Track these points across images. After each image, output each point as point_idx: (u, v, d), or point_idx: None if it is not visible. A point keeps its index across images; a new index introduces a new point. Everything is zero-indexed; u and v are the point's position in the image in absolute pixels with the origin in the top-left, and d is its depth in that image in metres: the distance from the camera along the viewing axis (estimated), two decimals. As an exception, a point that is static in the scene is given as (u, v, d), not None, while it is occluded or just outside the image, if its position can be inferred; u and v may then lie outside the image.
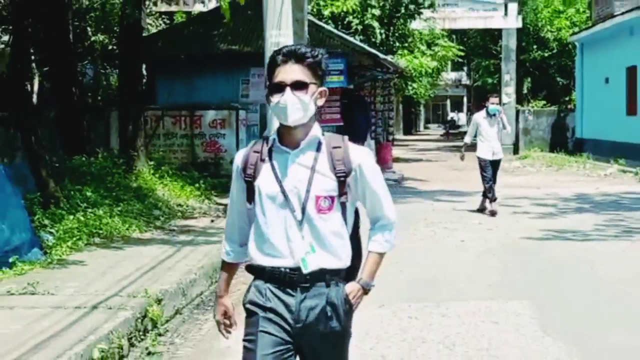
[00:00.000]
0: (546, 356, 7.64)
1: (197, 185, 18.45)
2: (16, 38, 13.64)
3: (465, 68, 48.17)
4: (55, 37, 17.17)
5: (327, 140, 3.72)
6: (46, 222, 11.96)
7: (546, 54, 38.96)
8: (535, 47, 38.33)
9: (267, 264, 3.66)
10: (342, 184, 3.64)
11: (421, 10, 30.48)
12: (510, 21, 34.46)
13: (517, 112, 36.01)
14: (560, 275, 11.38)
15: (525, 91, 38.75)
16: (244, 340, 3.72)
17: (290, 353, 3.67)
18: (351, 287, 3.73)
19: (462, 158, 18.07)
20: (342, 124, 23.74)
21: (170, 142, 21.16)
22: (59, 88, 17.57)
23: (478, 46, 41.26)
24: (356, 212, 3.98)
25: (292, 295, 3.63)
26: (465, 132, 57.01)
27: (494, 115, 16.58)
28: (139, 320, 8.28)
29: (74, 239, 11.82)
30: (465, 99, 67.08)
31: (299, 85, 3.55)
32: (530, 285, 10.67)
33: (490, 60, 41.20)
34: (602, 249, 13.31)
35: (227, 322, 3.93)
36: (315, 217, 3.63)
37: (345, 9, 27.33)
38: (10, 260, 10.25)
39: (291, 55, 3.61)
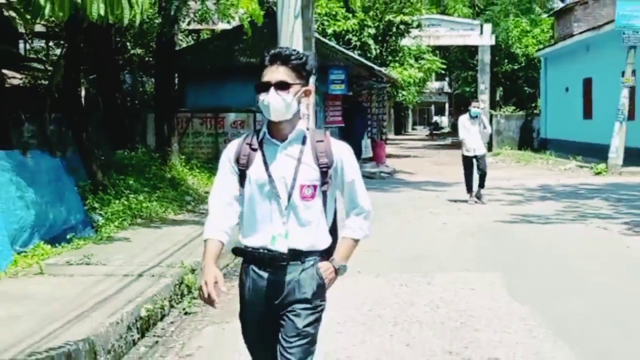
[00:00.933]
0: (513, 317, 7.71)
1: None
2: (69, 52, 13.71)
3: (446, 78, 48.25)
4: (100, 51, 17.19)
5: (311, 134, 3.65)
6: (96, 205, 12.11)
7: (515, 67, 38.89)
8: (506, 61, 38.27)
9: (250, 244, 3.60)
10: (324, 174, 3.58)
11: (410, 30, 30.56)
12: (485, 39, 34.42)
13: (491, 116, 36.02)
14: (526, 251, 11.46)
15: (497, 98, 38.77)
16: (240, 317, 3.76)
17: (274, 320, 3.60)
18: (324, 266, 3.64)
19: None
20: (343, 125, 24.05)
21: (198, 139, 21.37)
22: (104, 94, 17.57)
23: (458, 60, 41.21)
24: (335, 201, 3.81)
25: (273, 273, 3.56)
26: (446, 132, 56.92)
27: (476, 117, 16.46)
28: (177, 286, 8.44)
29: (120, 219, 11.98)
30: (447, 105, 66.92)
31: (282, 85, 3.48)
32: (500, 260, 10.72)
33: (468, 72, 41.20)
34: (561, 230, 13.40)
35: (213, 292, 3.58)
36: (299, 204, 3.55)
37: (345, 28, 27.37)
38: (68, 236, 10.40)
39: (277, 57, 3.54)
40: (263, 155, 3.58)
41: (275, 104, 3.46)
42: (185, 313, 8.05)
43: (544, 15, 38.44)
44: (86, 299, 7.31)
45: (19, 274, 8.47)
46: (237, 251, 3.69)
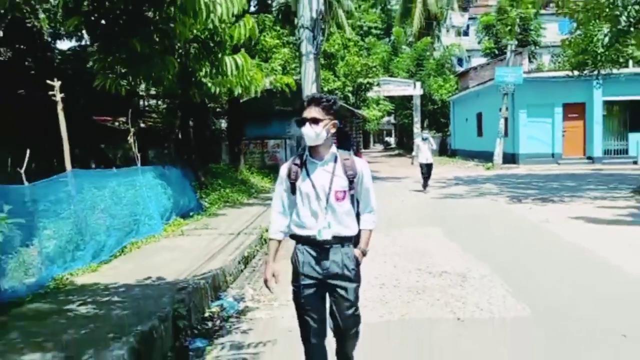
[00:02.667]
0: (450, 250, 7.98)
1: (267, 177, 18.27)
2: (182, 105, 13.92)
3: (393, 114, 48.22)
4: (198, 106, 17.42)
5: (340, 155, 3.35)
6: (203, 196, 12.08)
7: (435, 107, 38.17)
8: (429, 103, 37.48)
9: (303, 233, 3.31)
10: (351, 183, 3.32)
11: (372, 87, 30.52)
12: (417, 91, 34.14)
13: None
14: (452, 214, 11.52)
15: (425, 126, 38.81)
16: (292, 284, 3.38)
17: (321, 290, 3.33)
18: (357, 252, 3.38)
19: (412, 163, 16.92)
20: (337, 144, 24.26)
21: (253, 156, 21.11)
22: (197, 130, 17.76)
23: (400, 104, 41.26)
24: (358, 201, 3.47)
25: (320, 252, 3.29)
26: (393, 148, 55.98)
27: (426, 139, 15.94)
28: (260, 238, 8.56)
29: (218, 204, 12.04)
30: (393, 131, 66.64)
31: (314, 121, 3.22)
32: (439, 219, 10.80)
33: (406, 110, 41.20)
34: (470, 202, 13.43)
35: (274, 281, 3.43)
36: (335, 204, 3.27)
37: (334, 87, 27.41)
38: (191, 214, 10.53)
39: (312, 100, 3.29)
40: (307, 171, 3.30)
41: (309, 133, 3.24)
42: (265, 253, 7.91)
43: (452, 76, 38.33)
44: (212, 247, 7.56)
45: (169, 235, 8.67)
46: (294, 237, 3.39)
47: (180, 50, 3.96)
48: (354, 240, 3.41)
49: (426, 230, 9.62)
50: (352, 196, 3.36)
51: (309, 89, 13.97)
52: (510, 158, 25.53)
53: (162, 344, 4.55)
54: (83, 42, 13.66)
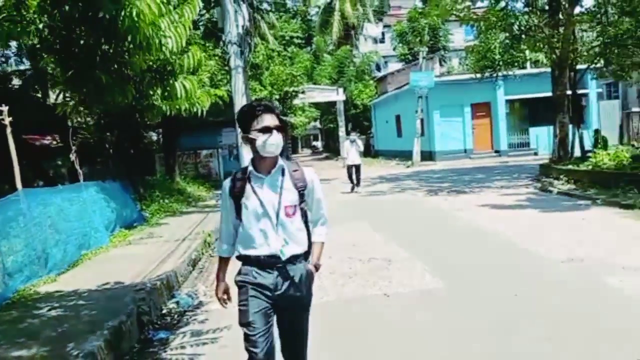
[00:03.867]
0: (376, 239, 8.74)
1: (203, 185, 18.60)
2: (121, 127, 14.01)
3: (319, 120, 49.16)
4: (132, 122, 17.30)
5: (287, 166, 2.99)
6: (143, 207, 12.22)
7: (357, 111, 39.19)
8: (352, 108, 38.58)
9: (252, 253, 2.94)
10: (301, 196, 2.99)
11: (297, 94, 31.17)
12: (340, 96, 35.07)
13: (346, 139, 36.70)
14: (377, 209, 12.32)
15: (349, 129, 39.79)
16: (239, 305, 2.98)
17: (271, 311, 2.95)
18: (310, 267, 3.05)
19: (343, 166, 16.48)
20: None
21: (187, 166, 21.21)
22: (133, 144, 17.55)
23: (326, 109, 42.11)
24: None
25: (271, 273, 2.92)
26: (320, 151, 56.62)
27: (353, 141, 16.15)
28: (204, 242, 8.94)
29: (158, 214, 12.16)
30: (319, 135, 67.88)
31: (279, 128, 2.90)
32: (366, 214, 11.50)
33: (331, 115, 42.17)
34: (393, 197, 14.32)
35: (226, 296, 3.15)
36: (285, 220, 2.92)
37: (261, 96, 27.97)
38: (134, 225, 10.74)
39: (267, 108, 2.91)
40: (252, 186, 2.94)
41: (279, 142, 2.88)
42: (210, 256, 8.57)
43: (371, 81, 39.59)
44: (161, 253, 7.89)
45: (117, 246, 8.87)
46: (240, 258, 3.03)
47: (136, 78, 4.44)
48: (306, 255, 3.08)
49: (355, 225, 10.30)
50: (302, 210, 3.02)
51: (240, 100, 14.25)
52: (428, 155, 26.99)
53: (129, 336, 5.02)
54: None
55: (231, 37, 14.62)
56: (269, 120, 2.90)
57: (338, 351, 4.43)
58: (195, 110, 6.60)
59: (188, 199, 15.40)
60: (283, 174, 2.98)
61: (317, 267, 3.11)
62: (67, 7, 3.60)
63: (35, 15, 3.95)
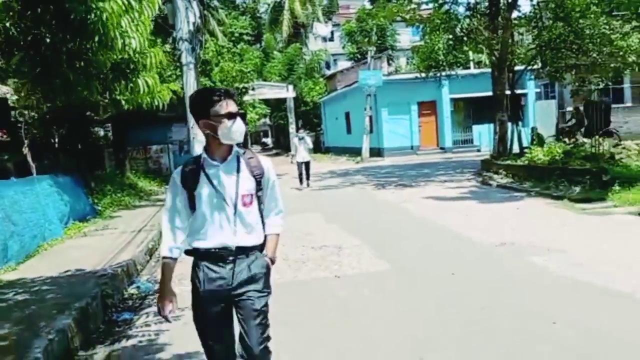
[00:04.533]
0: (328, 229, 9.17)
1: (154, 180, 18.51)
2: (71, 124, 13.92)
3: (269, 116, 49.19)
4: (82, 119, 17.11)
5: (242, 153, 2.83)
6: (95, 200, 12.16)
7: (307, 108, 39.58)
8: (302, 105, 38.88)
9: (204, 246, 2.74)
10: (258, 183, 2.82)
11: (248, 91, 31.26)
12: (290, 93, 35.24)
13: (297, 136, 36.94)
14: (328, 202, 12.74)
15: (299, 126, 40.10)
16: (193, 305, 2.82)
17: (228, 309, 2.80)
18: (267, 260, 2.88)
19: (291, 162, 16.14)
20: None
21: (137, 161, 20.93)
22: (82, 140, 17.26)
23: (276, 106, 42.24)
24: None
25: (223, 267, 2.73)
26: (271, 148, 56.47)
27: (302, 138, 16.14)
28: (160, 233, 9.47)
29: (111, 207, 12.20)
30: (269, 131, 67.94)
31: (242, 115, 2.77)
32: (318, 206, 11.91)
33: (281, 112, 42.38)
34: (343, 191, 14.87)
35: (172, 309, 2.83)
36: (242, 210, 2.74)
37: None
38: (87, 218, 10.75)
39: (227, 94, 2.76)
40: (207, 175, 2.74)
41: (243, 129, 2.75)
42: None
43: (321, 79, 40.06)
44: (118, 243, 8.08)
45: (73, 237, 9.00)
46: (191, 252, 2.81)
47: (101, 75, 4.70)
48: (262, 247, 2.90)
49: (308, 216, 10.74)
50: (258, 199, 2.85)
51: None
52: (377, 152, 27.77)
53: (95, 318, 5.31)
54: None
55: (182, 33, 14.81)
56: (232, 106, 2.76)
57: (293, 324, 4.86)
58: (156, 104, 6.88)
59: (140, 193, 15.41)
60: (239, 161, 2.82)
61: (272, 260, 2.94)
62: (39, 9, 3.86)
63: (3, 14, 4.20)
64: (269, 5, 44.25)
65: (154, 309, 5.68)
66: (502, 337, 4.24)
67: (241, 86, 31.31)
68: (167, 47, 19.36)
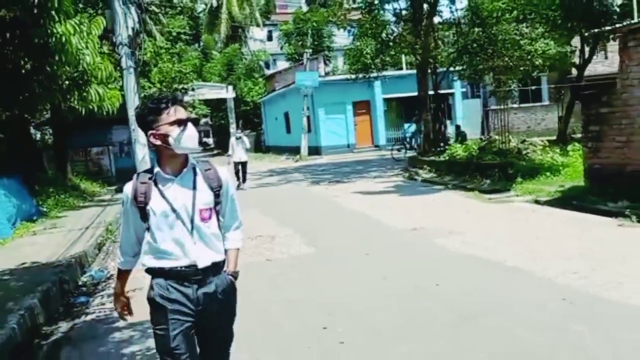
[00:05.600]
0: (264, 221, 9.99)
1: (96, 182, 18.87)
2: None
3: (209, 116, 49.24)
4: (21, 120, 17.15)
5: (199, 165, 2.67)
6: (40, 202, 12.47)
7: (248, 108, 40.01)
8: (242, 105, 39.20)
9: (165, 265, 2.57)
10: (217, 196, 2.65)
11: (187, 92, 31.56)
12: (230, 94, 35.44)
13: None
14: (266, 198, 13.58)
15: (240, 126, 40.60)
16: (155, 328, 2.60)
17: (194, 331, 2.60)
18: (231, 279, 2.70)
19: (228, 163, 16.23)
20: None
21: (77, 163, 20.92)
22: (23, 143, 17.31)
23: (216, 106, 42.45)
24: None
25: (189, 287, 2.56)
26: (212, 148, 56.31)
27: (239, 138, 16.39)
28: (106, 230, 9.74)
29: (56, 208, 12.58)
30: (210, 131, 67.87)
31: (193, 121, 2.62)
32: (256, 203, 12.42)
33: (221, 112, 42.63)
34: (282, 188, 15.85)
35: (127, 311, 2.86)
36: (200, 225, 2.58)
37: (150, 93, 28.08)
38: (34, 218, 11.17)
39: (176, 100, 2.60)
40: (160, 190, 2.58)
41: (195, 135, 2.60)
42: (113, 241, 9.28)
43: (260, 79, 40.77)
44: (68, 239, 8.69)
45: (23, 236, 9.54)
46: (151, 271, 2.64)
47: (58, 87, 5.46)
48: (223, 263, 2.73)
49: (246, 212, 11.39)
50: (217, 213, 2.68)
51: (132, 98, 15.02)
52: (315, 150, 28.88)
53: (55, 300, 6.07)
54: None
55: (122, 39, 15.27)
56: (181, 112, 2.58)
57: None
58: (106, 109, 7.66)
59: (83, 194, 15.81)
60: (195, 173, 2.65)
61: (234, 276, 2.74)
62: (7, 34, 4.66)
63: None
64: (206, 5, 44.54)
65: (108, 292, 6.51)
66: (398, 298, 5.35)
67: (180, 87, 31.71)
68: (105, 48, 19.74)
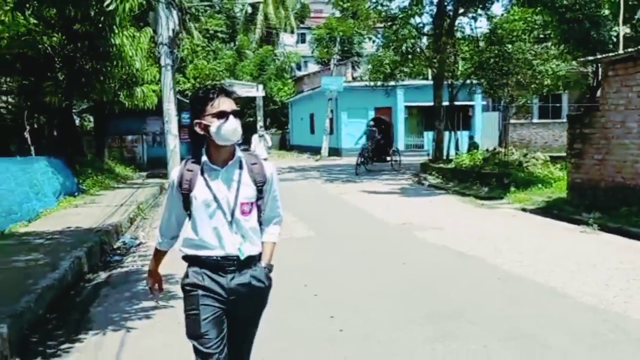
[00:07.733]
0: None
1: (130, 167, 20.31)
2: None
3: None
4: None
5: (245, 158, 2.62)
6: (80, 181, 13.84)
7: (276, 107, 40.82)
8: (271, 104, 39.89)
9: (202, 254, 2.55)
10: (259, 192, 2.61)
11: None
12: (260, 93, 36.36)
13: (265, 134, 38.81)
14: (282, 192, 15.22)
15: (267, 124, 41.93)
16: (187, 312, 2.58)
17: (224, 317, 2.56)
18: (266, 272, 2.67)
19: None
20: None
21: (113, 150, 22.37)
22: (66, 128, 18.93)
23: (246, 103, 43.86)
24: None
25: (224, 277, 2.54)
26: (240, 144, 58.25)
27: (262, 136, 17.09)
28: (137, 208, 11.02)
29: (95, 187, 14.02)
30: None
31: (236, 113, 2.52)
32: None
33: (250, 110, 44.10)
34: (299, 183, 16.94)
35: (158, 287, 2.89)
36: (240, 218, 2.54)
37: (185, 88, 29.52)
38: (75, 195, 12.62)
39: (222, 91, 2.55)
40: (205, 179, 2.55)
41: (236, 128, 2.51)
42: (143, 218, 10.77)
43: (290, 80, 41.78)
44: (105, 213, 10.05)
45: (66, 208, 10.95)
46: (187, 258, 2.64)
47: (112, 85, 6.85)
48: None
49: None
50: (258, 207, 2.67)
51: (168, 93, 16.53)
52: (335, 151, 30.11)
53: (95, 257, 7.47)
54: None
55: (163, 39, 16.80)
56: (226, 104, 2.54)
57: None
58: (148, 105, 9.14)
59: (117, 177, 17.28)
60: (241, 167, 2.62)
61: (269, 269, 2.74)
62: (79, 44, 6.07)
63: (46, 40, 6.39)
64: (243, 6, 46.16)
65: (138, 254, 7.89)
66: (370, 269, 6.59)
67: (213, 84, 33.35)
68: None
